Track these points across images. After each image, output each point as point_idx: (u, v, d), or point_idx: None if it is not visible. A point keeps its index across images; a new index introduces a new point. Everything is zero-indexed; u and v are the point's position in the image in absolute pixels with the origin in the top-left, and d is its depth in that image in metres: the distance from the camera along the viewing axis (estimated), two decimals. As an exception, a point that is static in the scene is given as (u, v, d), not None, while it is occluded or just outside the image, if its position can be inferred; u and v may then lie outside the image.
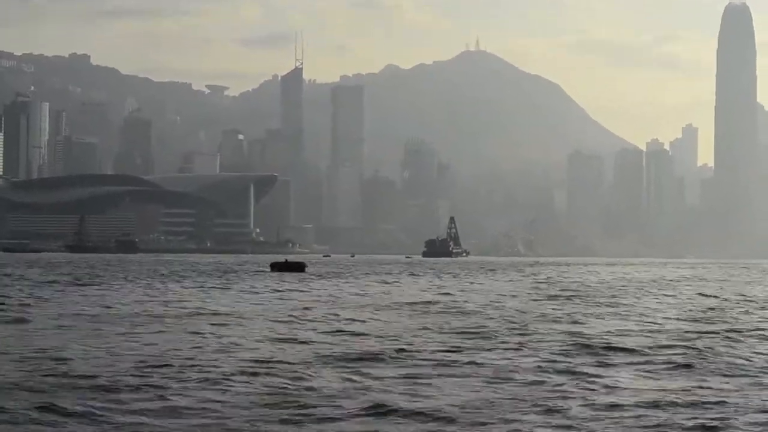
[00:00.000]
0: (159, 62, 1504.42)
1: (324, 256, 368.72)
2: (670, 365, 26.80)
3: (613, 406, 19.88)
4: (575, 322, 42.21)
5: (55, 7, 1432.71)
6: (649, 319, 44.91)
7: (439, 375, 24.30)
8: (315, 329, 36.97)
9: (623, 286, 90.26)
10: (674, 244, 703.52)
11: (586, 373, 24.81)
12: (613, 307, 55.20)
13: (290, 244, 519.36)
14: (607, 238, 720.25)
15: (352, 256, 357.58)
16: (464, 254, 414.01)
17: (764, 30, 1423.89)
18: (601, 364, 26.83)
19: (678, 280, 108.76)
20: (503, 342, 32.72)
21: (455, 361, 26.95)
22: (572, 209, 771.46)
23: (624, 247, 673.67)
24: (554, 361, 27.24)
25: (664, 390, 22.26)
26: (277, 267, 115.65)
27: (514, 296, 66.20)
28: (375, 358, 27.35)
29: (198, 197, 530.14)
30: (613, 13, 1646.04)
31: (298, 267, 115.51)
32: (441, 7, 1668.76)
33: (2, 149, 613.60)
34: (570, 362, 27.16)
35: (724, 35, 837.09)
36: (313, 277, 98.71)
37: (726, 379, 24.38)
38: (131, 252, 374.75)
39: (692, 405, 20.22)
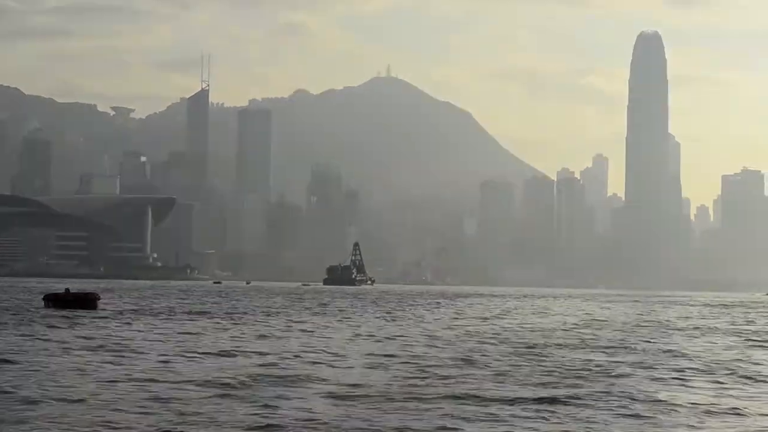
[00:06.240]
0: (65, 83, 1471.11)
1: (214, 282, 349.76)
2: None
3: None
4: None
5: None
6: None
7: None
8: None
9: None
10: (585, 273, 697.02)
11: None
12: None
13: (189, 270, 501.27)
14: (517, 267, 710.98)
15: (248, 283, 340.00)
16: (369, 282, 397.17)
17: (677, 60, 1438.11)
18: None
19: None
20: None
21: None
22: (483, 238, 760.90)
23: (535, 277, 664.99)
24: None
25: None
26: (52, 301, 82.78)
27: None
28: None
29: (92, 220, 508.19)
30: (533, 43, 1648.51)
31: (83, 302, 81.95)
32: (361, 34, 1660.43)
33: None
34: None
35: (636, 65, 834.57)
36: (89, 318, 66.16)
37: None
38: None
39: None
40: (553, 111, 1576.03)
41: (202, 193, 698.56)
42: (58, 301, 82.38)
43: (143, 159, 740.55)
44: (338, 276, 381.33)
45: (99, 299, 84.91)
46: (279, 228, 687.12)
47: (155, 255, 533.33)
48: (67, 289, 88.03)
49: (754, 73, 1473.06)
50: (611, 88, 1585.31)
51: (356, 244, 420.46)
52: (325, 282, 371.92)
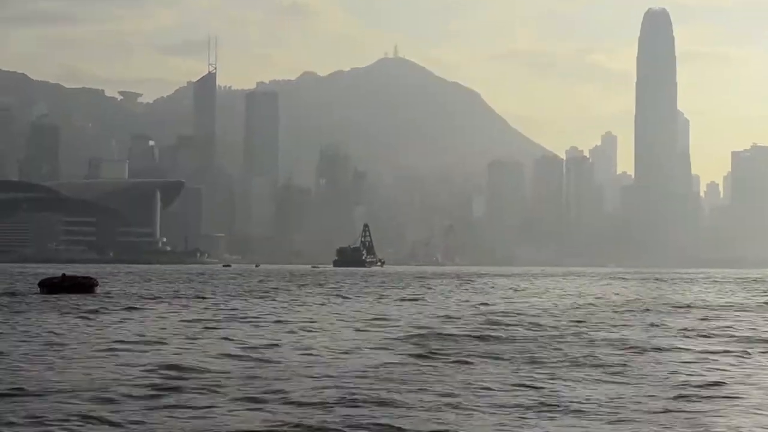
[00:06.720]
0: (72, 69, 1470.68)
1: (224, 266, 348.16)
2: None
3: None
4: None
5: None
6: None
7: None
8: None
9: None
10: (594, 252, 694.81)
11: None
12: None
13: (198, 254, 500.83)
14: (527, 246, 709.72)
15: (257, 266, 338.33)
16: (379, 263, 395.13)
17: (685, 36, 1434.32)
18: None
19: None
20: None
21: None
22: (492, 217, 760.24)
23: (544, 256, 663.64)
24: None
25: None
26: (47, 287, 78.86)
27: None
28: None
29: (100, 205, 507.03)
30: (538, 23, 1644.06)
31: (80, 286, 79.15)
32: (364, 16, 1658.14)
33: None
34: None
35: (643, 41, 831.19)
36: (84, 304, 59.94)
37: None
38: None
39: None
40: (560, 90, 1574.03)
41: (210, 177, 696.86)
42: (53, 286, 78.48)
43: (151, 143, 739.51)
44: (348, 258, 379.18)
45: (97, 285, 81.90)
46: (287, 211, 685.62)
47: (164, 239, 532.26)
48: (63, 274, 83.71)
49: (764, 48, 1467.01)
50: (618, 65, 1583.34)
51: (366, 226, 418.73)
52: (335, 264, 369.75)
